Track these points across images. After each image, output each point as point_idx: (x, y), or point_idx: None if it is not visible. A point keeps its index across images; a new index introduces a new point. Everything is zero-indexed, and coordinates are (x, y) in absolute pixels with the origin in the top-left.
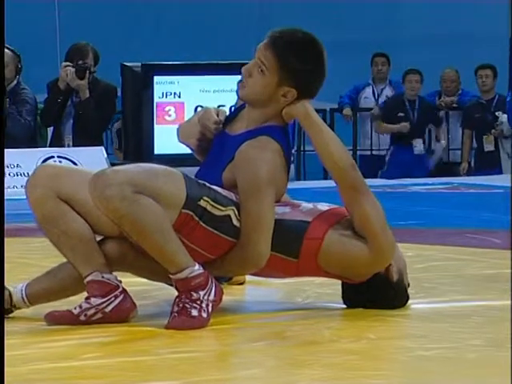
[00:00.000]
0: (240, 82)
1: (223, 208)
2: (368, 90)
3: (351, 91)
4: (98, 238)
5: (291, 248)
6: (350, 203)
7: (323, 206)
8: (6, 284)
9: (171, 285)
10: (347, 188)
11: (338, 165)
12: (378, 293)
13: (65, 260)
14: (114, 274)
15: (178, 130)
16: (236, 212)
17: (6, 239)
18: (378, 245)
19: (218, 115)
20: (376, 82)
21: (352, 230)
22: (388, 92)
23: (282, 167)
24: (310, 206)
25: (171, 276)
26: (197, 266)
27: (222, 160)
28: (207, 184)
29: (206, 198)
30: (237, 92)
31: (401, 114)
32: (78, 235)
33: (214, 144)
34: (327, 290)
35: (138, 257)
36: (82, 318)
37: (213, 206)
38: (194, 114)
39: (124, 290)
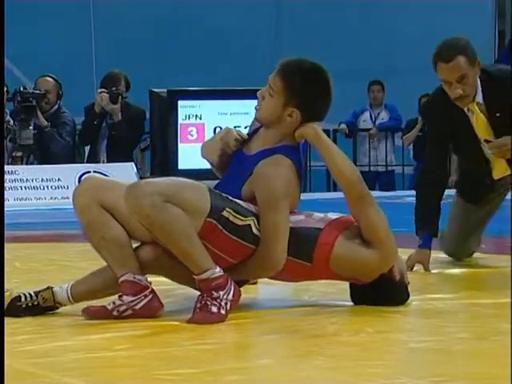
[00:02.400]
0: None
1: (244, 218)
2: (366, 114)
3: (351, 116)
4: (136, 244)
5: (305, 253)
6: (357, 213)
7: (333, 215)
8: (50, 284)
9: (197, 289)
10: (355, 199)
11: (346, 178)
12: (382, 291)
13: (105, 264)
14: (145, 276)
15: (201, 147)
16: (256, 222)
17: (47, 244)
18: (384, 249)
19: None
20: (373, 106)
21: (359, 236)
22: (384, 115)
23: (295, 181)
24: (321, 215)
25: (195, 276)
26: (218, 269)
27: (240, 176)
28: (229, 197)
29: (228, 209)
30: (255, 115)
31: (419, 134)
32: (116, 241)
33: (232, 162)
34: (330, 288)
35: (170, 261)
36: (115, 313)
37: (235, 216)
38: (216, 134)
39: (153, 291)
